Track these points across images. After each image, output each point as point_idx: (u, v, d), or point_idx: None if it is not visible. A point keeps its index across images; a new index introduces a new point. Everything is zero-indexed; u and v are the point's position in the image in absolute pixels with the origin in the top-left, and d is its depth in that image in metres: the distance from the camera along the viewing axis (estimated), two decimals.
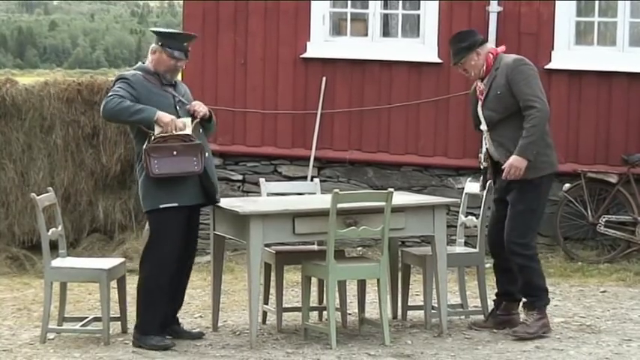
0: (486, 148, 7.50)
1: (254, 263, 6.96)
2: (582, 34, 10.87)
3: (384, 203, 6.98)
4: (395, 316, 7.86)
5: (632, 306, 8.49)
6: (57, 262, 7.36)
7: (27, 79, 13.35)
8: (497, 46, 8.16)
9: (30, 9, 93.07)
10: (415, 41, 11.07)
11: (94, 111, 12.01)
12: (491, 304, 7.66)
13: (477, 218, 7.85)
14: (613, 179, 10.43)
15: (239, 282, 9.56)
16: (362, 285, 7.60)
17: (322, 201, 7.39)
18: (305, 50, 11.17)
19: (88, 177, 12.14)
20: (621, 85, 10.60)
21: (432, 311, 7.52)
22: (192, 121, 6.98)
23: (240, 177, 11.44)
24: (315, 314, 7.88)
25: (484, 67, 7.29)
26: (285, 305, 7.77)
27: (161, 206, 6.91)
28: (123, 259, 7.81)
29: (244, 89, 11.30)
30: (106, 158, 12.11)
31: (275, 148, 11.29)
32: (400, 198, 7.43)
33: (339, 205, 6.89)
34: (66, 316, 7.61)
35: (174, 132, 6.85)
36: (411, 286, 7.98)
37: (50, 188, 7.69)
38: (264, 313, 7.84)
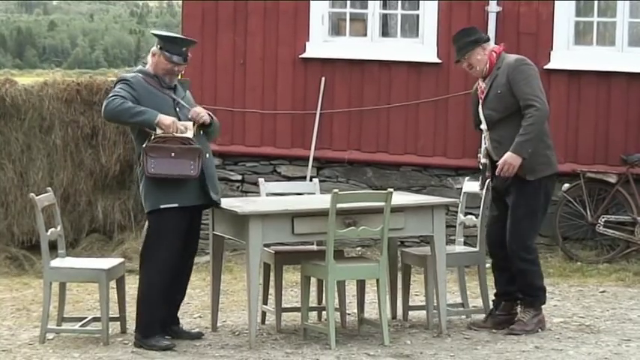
0: (485, 147, 7.51)
1: (253, 263, 6.96)
2: (581, 34, 10.87)
3: (383, 203, 6.97)
4: (394, 316, 7.86)
5: (631, 306, 8.49)
6: (56, 263, 7.36)
7: (26, 80, 13.36)
8: None
9: (29, 9, 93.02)
10: (414, 41, 11.07)
11: (93, 111, 12.02)
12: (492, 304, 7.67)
13: (476, 217, 7.85)
14: (612, 179, 10.43)
15: (238, 282, 9.56)
16: (361, 285, 7.59)
17: (321, 201, 7.39)
18: (304, 50, 11.17)
19: (87, 177, 12.14)
20: (620, 85, 10.60)
21: (434, 311, 7.52)
22: (193, 125, 6.98)
23: (239, 177, 11.45)
24: (314, 314, 7.88)
25: (487, 65, 7.30)
26: (284, 305, 7.77)
27: (162, 207, 6.91)
28: (122, 260, 7.81)
29: (243, 89, 11.30)
30: (105, 158, 12.11)
31: (274, 148, 11.29)
32: (399, 198, 7.43)
33: (339, 205, 6.89)
34: (65, 316, 7.61)
35: (174, 134, 6.85)
36: (410, 287, 7.97)
37: (49, 188, 7.69)
38: (264, 314, 7.84)
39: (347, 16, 11.25)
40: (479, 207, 7.83)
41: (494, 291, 7.64)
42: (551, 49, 10.67)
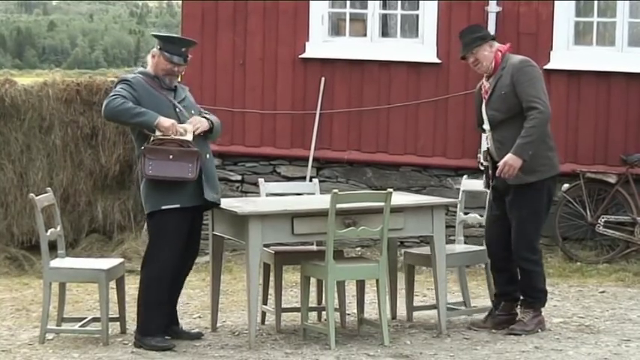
0: (487, 148, 7.51)
1: (253, 263, 6.96)
2: (581, 34, 10.87)
3: (383, 203, 6.97)
4: (394, 317, 7.85)
5: (630, 306, 8.49)
6: (56, 263, 7.36)
7: (26, 80, 13.36)
8: None
9: (29, 9, 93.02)
10: (414, 41, 11.07)
11: (92, 111, 12.03)
12: None
13: (481, 216, 7.86)
14: (612, 179, 10.43)
15: (238, 282, 9.56)
16: (361, 285, 7.59)
17: (321, 201, 7.39)
18: (304, 50, 11.16)
19: (87, 177, 12.15)
20: (620, 85, 10.60)
21: (449, 311, 7.55)
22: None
23: (239, 177, 11.44)
24: (314, 314, 7.88)
25: (492, 64, 7.30)
26: (284, 305, 7.76)
27: (163, 207, 6.91)
28: (122, 260, 7.81)
29: (243, 89, 11.30)
30: (104, 158, 12.12)
31: (274, 148, 11.29)
32: (399, 198, 7.43)
33: (338, 206, 6.89)
34: (65, 316, 7.60)
35: (174, 136, 6.85)
36: (414, 287, 7.96)
37: (49, 188, 7.69)
38: (263, 314, 7.84)
39: (347, 16, 11.25)
40: (477, 206, 7.82)
41: (494, 291, 7.64)
42: (551, 49, 10.67)
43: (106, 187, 12.24)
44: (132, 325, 7.26)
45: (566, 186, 10.46)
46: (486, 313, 7.65)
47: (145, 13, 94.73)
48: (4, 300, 9.27)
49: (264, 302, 7.82)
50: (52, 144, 12.02)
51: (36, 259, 11.07)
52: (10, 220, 11.93)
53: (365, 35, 11.20)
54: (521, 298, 7.44)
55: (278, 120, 11.25)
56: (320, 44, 11.16)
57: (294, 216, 7.01)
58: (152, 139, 6.85)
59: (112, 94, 6.97)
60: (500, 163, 7.19)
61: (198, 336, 7.30)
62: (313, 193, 8.14)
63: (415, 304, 8.08)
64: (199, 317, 8.09)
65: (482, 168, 7.66)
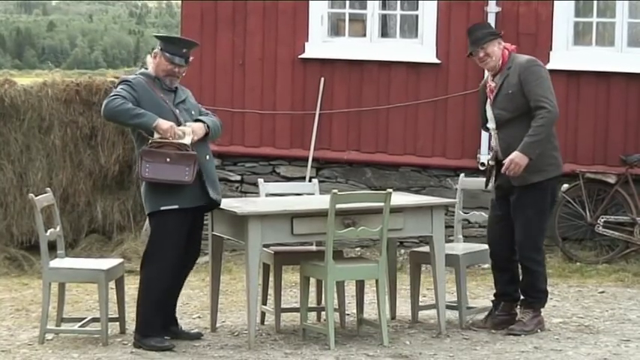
0: (493, 147, 7.51)
1: (252, 264, 6.96)
2: (581, 35, 10.87)
3: (382, 204, 6.97)
4: (394, 317, 7.85)
5: (630, 306, 8.49)
6: (55, 263, 7.35)
7: (25, 80, 13.37)
8: None
9: (28, 9, 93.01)
10: (413, 42, 11.07)
11: (92, 111, 12.03)
12: None
13: (485, 214, 7.87)
14: (611, 180, 10.43)
15: (237, 282, 9.56)
16: (360, 285, 7.59)
17: (321, 201, 7.39)
18: (303, 51, 11.16)
19: (87, 177, 12.15)
20: (620, 85, 10.60)
21: (466, 310, 7.58)
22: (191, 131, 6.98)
23: (238, 177, 11.44)
24: (313, 315, 7.88)
25: (500, 61, 7.30)
26: (283, 306, 7.76)
27: (162, 208, 6.91)
28: (121, 260, 7.81)
29: (242, 89, 11.30)
30: (104, 159, 12.12)
31: (273, 148, 11.29)
32: (399, 198, 7.43)
33: (338, 206, 6.89)
34: (64, 316, 7.60)
35: (172, 139, 6.84)
36: (409, 287, 7.97)
37: (48, 189, 7.69)
38: (263, 314, 7.83)
39: (346, 16, 11.25)
40: (478, 206, 7.82)
41: (494, 291, 7.64)
42: (551, 49, 10.66)
43: (106, 188, 12.24)
44: (131, 326, 7.25)
45: (565, 186, 10.45)
46: (486, 314, 7.65)
47: (145, 14, 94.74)
48: (4, 300, 9.27)
49: (264, 302, 7.82)
50: (51, 144, 12.02)
51: (35, 259, 11.06)
52: (9, 220, 11.93)
53: (364, 35, 11.20)
54: (522, 298, 7.45)
55: (277, 120, 11.25)
56: (319, 44, 11.16)
57: (293, 216, 7.01)
58: (150, 141, 6.85)
59: (112, 94, 6.97)
60: (507, 161, 7.18)
61: (197, 336, 7.30)
62: (313, 194, 8.14)
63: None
64: (199, 317, 8.09)
65: (482, 168, 7.65)
